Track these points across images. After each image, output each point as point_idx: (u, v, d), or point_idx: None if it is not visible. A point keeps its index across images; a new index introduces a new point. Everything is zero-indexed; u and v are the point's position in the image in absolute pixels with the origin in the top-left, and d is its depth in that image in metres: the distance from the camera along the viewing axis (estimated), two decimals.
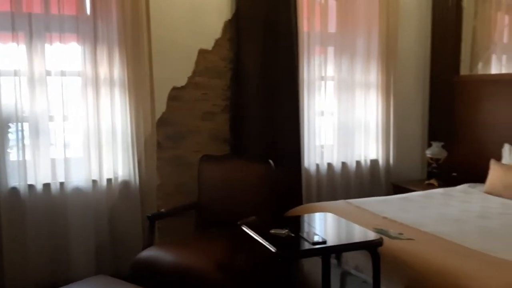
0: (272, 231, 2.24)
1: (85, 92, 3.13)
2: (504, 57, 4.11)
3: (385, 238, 2.32)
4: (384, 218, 2.89)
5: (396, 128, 4.19)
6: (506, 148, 3.64)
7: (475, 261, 2.16)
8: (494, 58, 4.11)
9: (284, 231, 2.23)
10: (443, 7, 4.20)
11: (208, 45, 3.56)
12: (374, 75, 4.08)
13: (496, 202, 3.27)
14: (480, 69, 4.15)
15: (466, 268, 2.07)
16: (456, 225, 2.75)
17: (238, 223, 2.46)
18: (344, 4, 3.89)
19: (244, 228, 2.35)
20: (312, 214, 2.68)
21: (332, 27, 3.90)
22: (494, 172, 3.51)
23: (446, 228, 2.67)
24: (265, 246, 2.09)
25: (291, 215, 3.03)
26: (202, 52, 3.54)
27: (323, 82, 3.92)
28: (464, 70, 4.22)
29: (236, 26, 3.57)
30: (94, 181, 3.18)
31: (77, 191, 3.14)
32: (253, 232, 2.27)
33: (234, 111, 3.62)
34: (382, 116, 4.14)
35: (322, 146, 3.98)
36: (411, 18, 4.30)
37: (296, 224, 2.47)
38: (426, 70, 4.41)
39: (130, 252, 3.07)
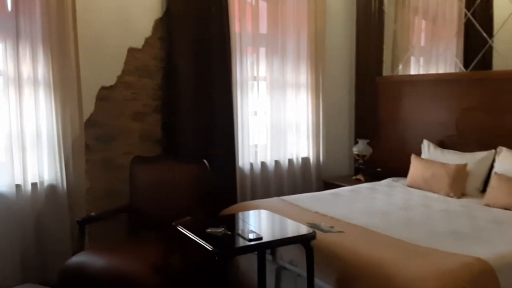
0: (208, 230, 2.24)
1: (6, 92, 2.94)
2: (421, 59, 4.40)
3: (317, 232, 2.41)
4: (316, 213, 2.99)
5: (326, 126, 4.36)
6: (425, 143, 3.90)
7: (401, 250, 2.30)
8: (413, 60, 4.39)
9: (220, 230, 2.24)
10: (367, 11, 4.43)
11: (138, 43, 3.49)
12: (304, 76, 4.21)
13: (417, 194, 3.50)
14: (401, 70, 4.41)
15: (393, 257, 2.21)
16: (382, 217, 2.91)
17: (173, 223, 2.44)
18: (275, 6, 3.98)
19: (180, 228, 2.33)
20: (247, 212, 2.72)
21: (263, 28, 3.97)
22: (415, 167, 3.75)
23: (373, 220, 2.82)
24: (202, 245, 2.09)
25: (226, 214, 3.05)
26: (131, 51, 3.47)
27: (255, 82, 3.98)
28: (386, 71, 4.47)
29: (167, 25, 3.53)
30: (18, 186, 2.99)
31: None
32: (189, 232, 2.26)
33: (166, 111, 3.58)
34: (312, 115, 4.28)
35: (255, 146, 4.05)
36: (338, 22, 4.49)
37: (231, 223, 2.50)
38: (352, 71, 4.62)
39: (59, 259, 2.93)
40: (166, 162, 3.25)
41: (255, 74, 3.97)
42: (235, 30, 3.74)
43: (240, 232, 2.23)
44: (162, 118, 3.61)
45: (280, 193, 4.01)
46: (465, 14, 3.87)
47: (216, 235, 2.21)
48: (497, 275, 2.06)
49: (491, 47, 3.68)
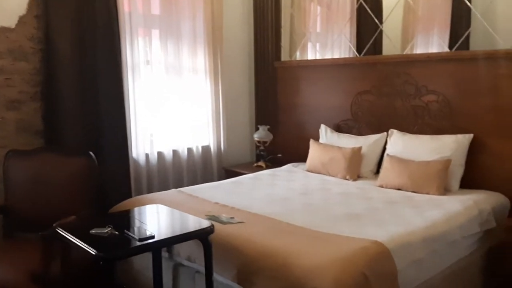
0: (93, 231, 2.00)
1: None
2: (318, 44, 4.43)
3: (217, 224, 2.28)
4: (216, 203, 2.85)
5: (226, 113, 4.23)
6: (322, 128, 3.94)
7: (300, 238, 2.24)
8: (309, 45, 4.41)
9: (106, 230, 2.01)
10: None
11: (10, 22, 3.07)
12: (201, 60, 4.03)
13: (315, 178, 3.52)
14: (298, 56, 4.41)
15: (294, 245, 2.14)
16: (283, 204, 2.86)
17: (54, 225, 2.16)
18: None
19: (60, 231, 2.06)
20: (141, 208, 2.49)
21: (155, 9, 3.71)
22: (313, 151, 3.77)
23: (273, 208, 2.75)
24: (84, 249, 1.86)
25: (117, 211, 2.79)
26: (3, 31, 3.04)
27: (149, 67, 3.72)
28: (284, 56, 4.44)
29: (44, 1, 3.13)
30: None
31: None
32: (70, 234, 2.00)
33: (47, 98, 3.20)
34: (212, 101, 4.13)
35: (151, 135, 3.79)
36: (235, 5, 4.36)
37: (121, 221, 2.27)
38: (251, 56, 4.53)
39: None
40: (48, 156, 2.90)
41: (148, 58, 3.70)
42: (124, 9, 3.44)
43: (130, 231, 2.02)
44: (43, 107, 3.22)
45: (179, 184, 3.83)
46: (357, 0, 3.93)
47: (102, 236, 1.98)
48: (392, 256, 2.09)
49: (381, 32, 3.79)
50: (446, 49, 3.43)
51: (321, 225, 2.42)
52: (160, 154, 3.82)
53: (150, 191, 3.63)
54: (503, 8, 3.22)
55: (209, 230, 2.10)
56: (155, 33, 3.75)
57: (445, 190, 3.04)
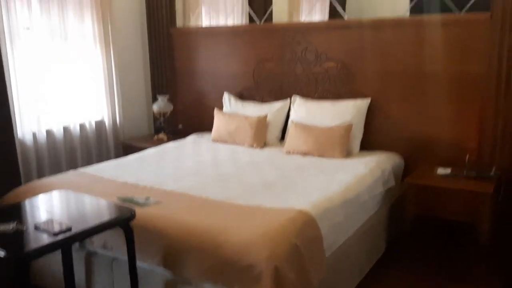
0: None
1: None
2: (211, 9, 4.25)
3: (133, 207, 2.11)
4: (125, 183, 2.66)
5: (120, 84, 3.94)
6: (226, 96, 3.87)
7: (225, 213, 2.17)
8: (204, 10, 4.22)
9: (11, 226, 1.75)
10: None
11: None
12: (89, 25, 3.67)
13: (223, 148, 3.46)
14: (193, 22, 4.22)
15: (219, 222, 2.07)
16: (196, 178, 2.75)
17: None
18: None
19: None
20: (42, 196, 2.20)
21: None
22: (218, 121, 3.69)
23: (187, 183, 2.65)
24: None
25: (11, 202, 2.43)
26: None
27: (29, 32, 3.26)
28: (179, 21, 4.22)
29: None
30: None
31: None
32: None
33: None
34: (104, 71, 3.80)
35: (38, 111, 3.37)
36: None
37: (25, 213, 2.00)
38: (143, 22, 4.24)
39: None
40: None
41: (28, 24, 3.24)
42: None
43: (41, 225, 1.77)
44: None
45: (73, 165, 3.52)
46: None
47: (6, 232, 1.72)
48: (318, 223, 2.13)
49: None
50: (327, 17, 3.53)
51: (239, 197, 2.39)
52: (49, 132, 3.44)
53: (41, 175, 3.28)
54: None
55: (131, 216, 1.94)
56: None
57: (347, 153, 3.19)
